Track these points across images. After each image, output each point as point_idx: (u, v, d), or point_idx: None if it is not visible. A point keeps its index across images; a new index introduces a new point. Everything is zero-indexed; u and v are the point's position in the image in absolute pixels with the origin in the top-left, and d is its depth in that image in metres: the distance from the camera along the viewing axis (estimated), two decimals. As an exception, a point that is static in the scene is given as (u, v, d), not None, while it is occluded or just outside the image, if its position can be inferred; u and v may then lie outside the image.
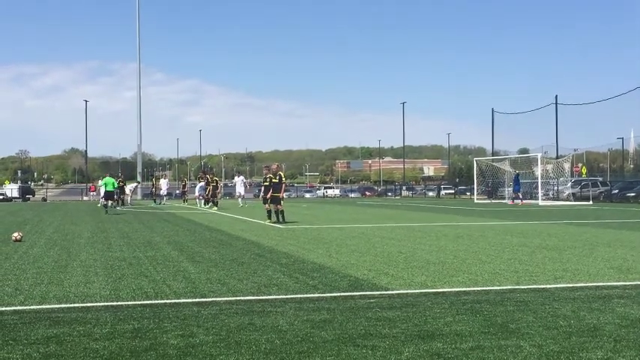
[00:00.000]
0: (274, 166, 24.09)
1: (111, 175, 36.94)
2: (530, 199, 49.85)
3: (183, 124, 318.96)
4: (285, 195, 26.15)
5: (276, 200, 23.08)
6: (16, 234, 16.60)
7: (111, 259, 12.46)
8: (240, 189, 45.26)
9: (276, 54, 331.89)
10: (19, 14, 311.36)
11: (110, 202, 34.66)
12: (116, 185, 36.61)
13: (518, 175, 49.00)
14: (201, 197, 41.92)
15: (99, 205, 41.14)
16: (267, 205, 23.75)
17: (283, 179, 23.37)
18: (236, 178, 43.49)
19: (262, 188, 24.29)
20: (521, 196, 47.24)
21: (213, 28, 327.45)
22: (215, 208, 37.74)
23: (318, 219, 27.08)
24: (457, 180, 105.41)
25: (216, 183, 39.74)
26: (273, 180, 23.00)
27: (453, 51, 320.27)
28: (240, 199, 44.01)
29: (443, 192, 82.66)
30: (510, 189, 53.18)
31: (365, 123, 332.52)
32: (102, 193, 40.16)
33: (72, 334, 6.18)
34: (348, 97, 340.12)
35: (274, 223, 22.69)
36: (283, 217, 23.09)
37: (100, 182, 36.96)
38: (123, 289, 8.87)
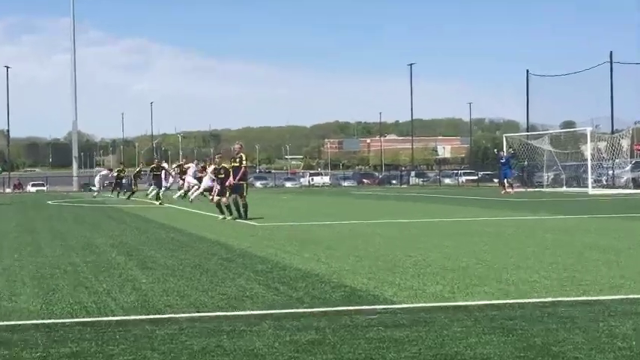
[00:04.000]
0: (237, 146, 23.83)
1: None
2: (578, 186, 49.65)
3: (128, 96, 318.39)
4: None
5: (238, 189, 22.88)
6: None
7: (42, 265, 12.49)
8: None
9: (243, 7, 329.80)
10: None
11: None
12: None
13: (511, 155, 49.16)
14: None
15: None
16: (225, 199, 23.35)
17: (244, 162, 23.17)
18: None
19: (218, 181, 23.96)
20: (510, 182, 46.61)
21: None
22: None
23: (302, 214, 27.13)
24: (483, 163, 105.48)
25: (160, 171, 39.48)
26: (233, 164, 22.91)
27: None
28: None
29: (463, 178, 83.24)
30: (551, 173, 52.86)
31: (361, 91, 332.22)
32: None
33: (-11, 361, 6.22)
34: (339, 59, 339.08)
35: (236, 219, 22.67)
36: (247, 212, 22.96)
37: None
38: (57, 303, 8.92)
